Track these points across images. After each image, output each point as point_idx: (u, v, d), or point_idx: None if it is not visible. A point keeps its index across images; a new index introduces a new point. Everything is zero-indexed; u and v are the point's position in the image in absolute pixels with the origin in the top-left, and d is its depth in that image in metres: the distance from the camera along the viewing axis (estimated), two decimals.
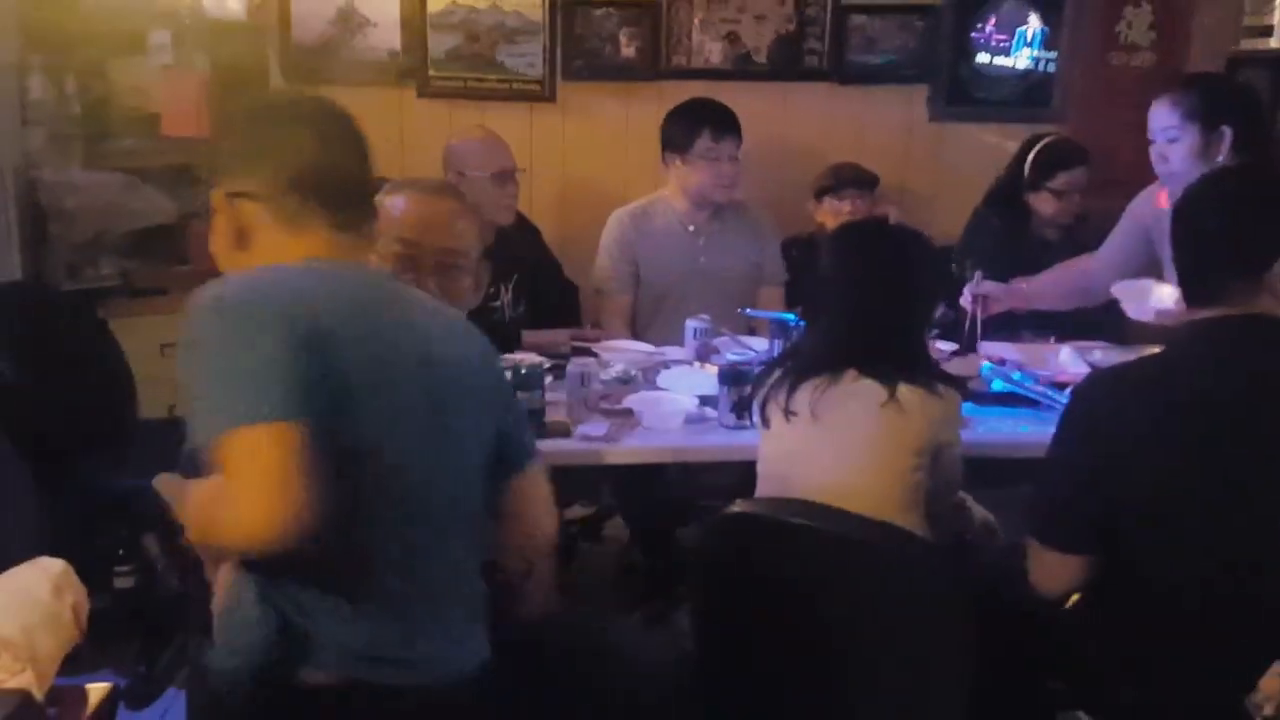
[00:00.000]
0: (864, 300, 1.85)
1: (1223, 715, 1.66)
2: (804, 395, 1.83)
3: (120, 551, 2.73)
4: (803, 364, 1.88)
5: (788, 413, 1.85)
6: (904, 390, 1.79)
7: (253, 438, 1.16)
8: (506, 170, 3.06)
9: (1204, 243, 1.68)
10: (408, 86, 3.65)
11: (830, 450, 1.82)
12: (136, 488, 2.65)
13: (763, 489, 1.89)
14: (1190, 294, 1.71)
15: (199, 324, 1.25)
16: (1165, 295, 2.59)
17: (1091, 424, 1.73)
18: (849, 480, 1.78)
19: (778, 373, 1.90)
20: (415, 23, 3.58)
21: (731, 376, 2.24)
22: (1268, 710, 1.35)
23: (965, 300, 2.70)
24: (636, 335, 3.03)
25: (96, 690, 1.29)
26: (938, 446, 1.83)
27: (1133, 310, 2.67)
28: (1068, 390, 2.43)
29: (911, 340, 1.88)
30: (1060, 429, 1.78)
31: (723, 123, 3.06)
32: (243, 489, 1.16)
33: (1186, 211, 1.74)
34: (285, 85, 3.48)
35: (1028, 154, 3.25)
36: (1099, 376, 1.84)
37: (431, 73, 3.63)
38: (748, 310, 2.92)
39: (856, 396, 1.81)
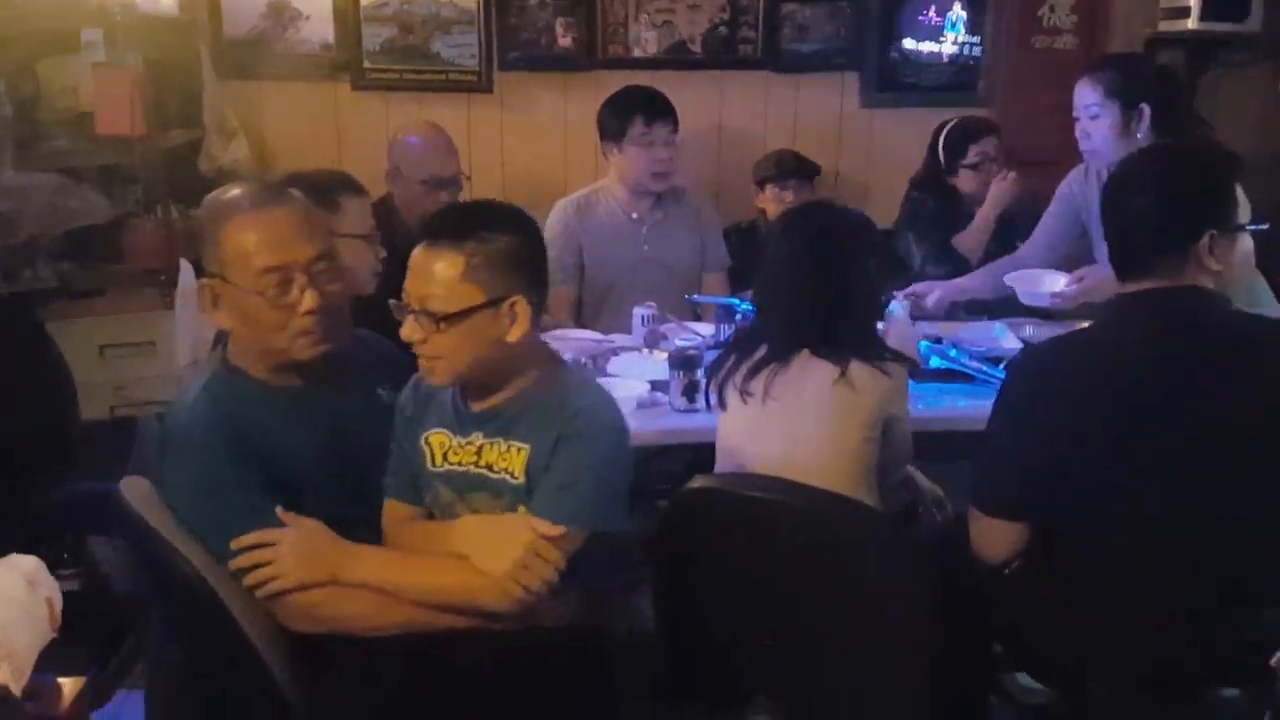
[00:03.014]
0: (813, 282, 1.89)
1: (1158, 670, 1.76)
2: (759, 376, 1.89)
3: (65, 555, 2.69)
4: (756, 347, 1.93)
5: (744, 394, 1.90)
6: (855, 367, 1.85)
7: None
8: (439, 178, 3.01)
9: (1131, 221, 1.76)
10: (342, 80, 3.64)
11: (786, 427, 1.87)
12: (81, 490, 2.65)
13: (721, 466, 1.94)
14: (1121, 269, 1.79)
15: None
16: (1057, 281, 2.73)
17: (1029, 397, 1.80)
18: (804, 454, 1.84)
19: (733, 357, 1.95)
20: (348, 15, 3.56)
21: (681, 362, 2.29)
22: None
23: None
24: (583, 325, 3.04)
25: (71, 684, 1.30)
26: (887, 420, 1.89)
27: (1027, 298, 2.80)
28: (1002, 365, 2.53)
29: (861, 320, 1.94)
30: (999, 403, 1.84)
31: (655, 108, 3.07)
32: None
33: (1114, 192, 1.82)
34: (217, 81, 3.45)
35: (938, 141, 3.35)
36: (1034, 351, 1.91)
37: (366, 65, 3.62)
38: (695, 297, 2.97)
39: (809, 375, 1.87)
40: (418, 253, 1.62)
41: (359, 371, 1.83)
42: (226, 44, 3.52)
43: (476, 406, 1.70)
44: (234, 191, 1.74)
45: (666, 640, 1.82)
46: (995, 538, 1.86)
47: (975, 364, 2.53)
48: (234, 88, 3.52)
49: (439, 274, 1.59)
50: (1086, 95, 2.68)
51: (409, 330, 1.62)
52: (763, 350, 1.92)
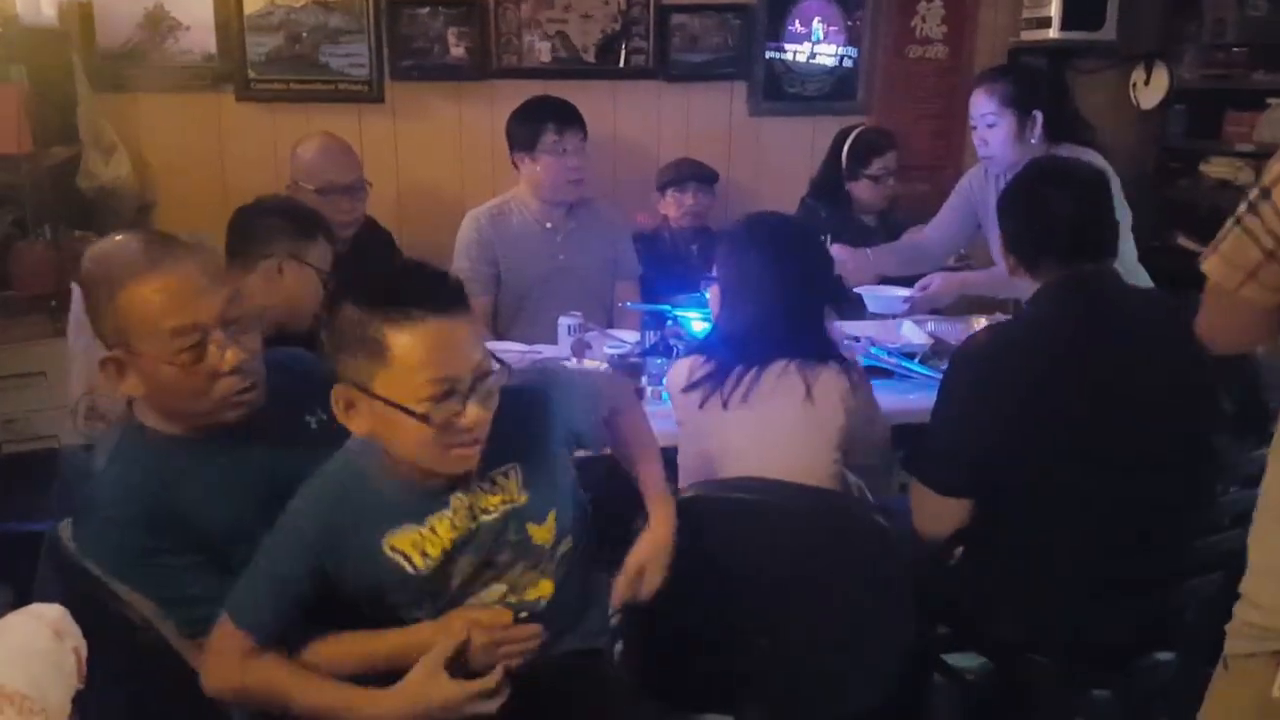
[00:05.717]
0: (779, 289, 1.93)
1: (1096, 640, 1.88)
2: (733, 383, 1.92)
3: None
4: (728, 353, 1.96)
5: (725, 401, 1.92)
6: (824, 371, 1.91)
7: None
8: (337, 185, 2.96)
9: (1055, 227, 1.89)
10: (225, 91, 3.52)
11: (761, 429, 1.90)
12: None
13: (696, 472, 1.96)
14: (1033, 265, 1.93)
15: None
16: (900, 290, 2.97)
17: (975, 382, 1.90)
18: (779, 455, 1.87)
19: (704, 362, 1.98)
20: (231, 25, 3.45)
21: (626, 370, 2.31)
22: None
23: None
24: (499, 336, 3.03)
25: None
26: (855, 416, 1.95)
27: (877, 306, 3.00)
28: (917, 359, 2.67)
29: (823, 324, 2.00)
30: (945, 388, 1.95)
31: (565, 117, 3.08)
32: None
33: (1033, 195, 1.95)
34: (93, 94, 3.29)
35: (842, 146, 3.48)
36: (977, 339, 2.01)
37: (251, 75, 3.51)
38: (628, 304, 2.99)
39: (782, 378, 1.91)
40: (434, 329, 1.39)
41: (286, 407, 1.64)
42: (101, 55, 3.35)
43: (431, 482, 1.51)
44: (123, 250, 1.53)
45: (649, 647, 1.84)
46: (938, 514, 1.95)
47: (894, 360, 2.65)
48: (110, 101, 3.35)
49: (473, 339, 1.46)
50: (983, 105, 2.82)
51: (478, 416, 1.42)
52: (735, 355, 1.95)
